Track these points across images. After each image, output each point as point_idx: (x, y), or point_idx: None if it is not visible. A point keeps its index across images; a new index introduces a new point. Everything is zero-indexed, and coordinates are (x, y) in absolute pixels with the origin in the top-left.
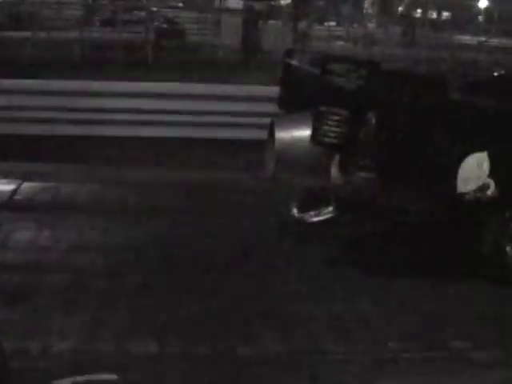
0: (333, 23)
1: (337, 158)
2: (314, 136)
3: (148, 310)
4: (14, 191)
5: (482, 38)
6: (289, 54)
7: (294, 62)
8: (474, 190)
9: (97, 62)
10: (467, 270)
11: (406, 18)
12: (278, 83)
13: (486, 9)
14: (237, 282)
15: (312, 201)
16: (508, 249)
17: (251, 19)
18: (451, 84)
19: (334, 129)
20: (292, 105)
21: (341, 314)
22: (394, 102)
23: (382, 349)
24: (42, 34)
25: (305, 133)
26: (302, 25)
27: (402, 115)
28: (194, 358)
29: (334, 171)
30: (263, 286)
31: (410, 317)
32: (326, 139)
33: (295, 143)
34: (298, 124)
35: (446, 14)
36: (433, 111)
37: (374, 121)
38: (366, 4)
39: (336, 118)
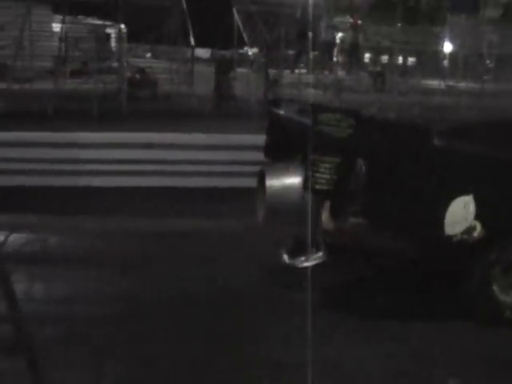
0: (303, 70)
1: (327, 204)
2: (305, 183)
3: (146, 358)
4: (2, 243)
5: (450, 82)
6: (275, 103)
7: (281, 112)
8: (462, 233)
9: (70, 113)
10: (456, 311)
11: (375, 64)
12: (265, 132)
13: (451, 53)
14: (229, 327)
15: (302, 246)
16: (495, 288)
17: (223, 68)
18: (435, 130)
19: (325, 176)
20: (279, 153)
21: (335, 358)
22: (382, 150)
23: None
24: (16, 86)
25: (295, 180)
26: (273, 73)
27: (390, 162)
28: None
29: (325, 217)
30: (255, 331)
31: (403, 357)
32: (318, 186)
33: (286, 191)
34: (288, 172)
35: (411, 60)
36: (419, 157)
37: (363, 168)
38: (336, 51)
39: (327, 165)
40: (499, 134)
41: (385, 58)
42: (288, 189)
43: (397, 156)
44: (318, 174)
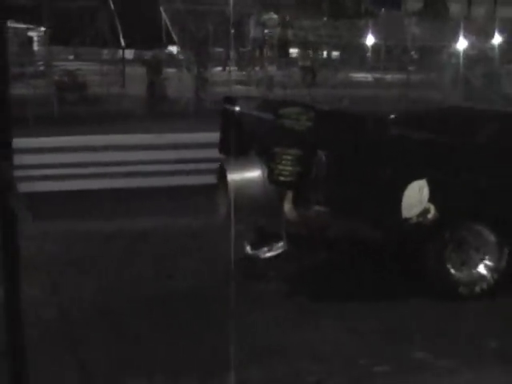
0: (234, 68)
1: (289, 195)
2: (269, 175)
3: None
4: None
5: (377, 75)
6: (229, 100)
7: (236, 109)
8: (417, 215)
9: None
10: (414, 289)
11: (304, 59)
12: (219, 129)
13: (376, 46)
14: (202, 317)
15: (264, 238)
16: (449, 266)
17: (154, 68)
18: (388, 119)
19: (287, 168)
20: (235, 149)
21: (308, 340)
22: (340, 140)
23: (355, 367)
24: None
25: (256, 173)
26: (203, 71)
27: (348, 152)
28: None
29: (288, 207)
30: (226, 319)
31: (371, 335)
32: (281, 178)
33: (248, 184)
34: (248, 166)
35: (335, 54)
36: (376, 146)
37: (324, 158)
38: (266, 47)
39: (289, 157)
40: (446, 121)
41: (312, 53)
42: (249, 182)
43: (354, 146)
44: (280, 166)
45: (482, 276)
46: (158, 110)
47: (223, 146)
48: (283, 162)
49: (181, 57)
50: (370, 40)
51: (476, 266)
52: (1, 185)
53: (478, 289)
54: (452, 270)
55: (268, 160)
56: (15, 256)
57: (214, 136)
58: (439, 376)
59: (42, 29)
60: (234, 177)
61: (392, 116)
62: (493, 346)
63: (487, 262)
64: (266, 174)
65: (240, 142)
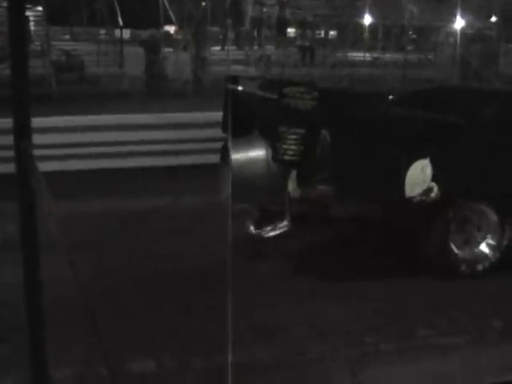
0: (233, 47)
1: (293, 174)
2: (273, 155)
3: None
4: None
5: (375, 54)
6: (233, 80)
7: (240, 88)
8: (420, 194)
9: None
10: (417, 268)
11: (303, 38)
12: (222, 108)
13: (374, 26)
14: (206, 296)
15: (267, 217)
16: (451, 244)
17: (153, 48)
18: (391, 99)
19: (292, 147)
20: (239, 128)
21: (312, 318)
22: (344, 119)
23: (360, 344)
24: None
25: (260, 153)
26: (201, 50)
27: (352, 130)
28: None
29: (292, 186)
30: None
31: (375, 314)
32: (286, 157)
33: (252, 163)
34: (251, 145)
35: (332, 33)
36: (379, 125)
37: (328, 137)
38: (264, 26)
39: (294, 136)
40: (449, 100)
41: (311, 32)
42: (253, 161)
43: (358, 124)
44: (285, 146)
45: (484, 254)
46: (157, 89)
47: (227, 125)
48: (287, 141)
49: (179, 36)
50: (367, 20)
51: (478, 244)
52: (22, 164)
53: (480, 267)
54: (455, 249)
55: (272, 139)
56: (34, 234)
57: (214, 115)
58: (442, 353)
59: (39, 8)
60: (238, 156)
61: (394, 95)
62: (496, 324)
63: (489, 241)
64: (269, 154)
65: (243, 121)
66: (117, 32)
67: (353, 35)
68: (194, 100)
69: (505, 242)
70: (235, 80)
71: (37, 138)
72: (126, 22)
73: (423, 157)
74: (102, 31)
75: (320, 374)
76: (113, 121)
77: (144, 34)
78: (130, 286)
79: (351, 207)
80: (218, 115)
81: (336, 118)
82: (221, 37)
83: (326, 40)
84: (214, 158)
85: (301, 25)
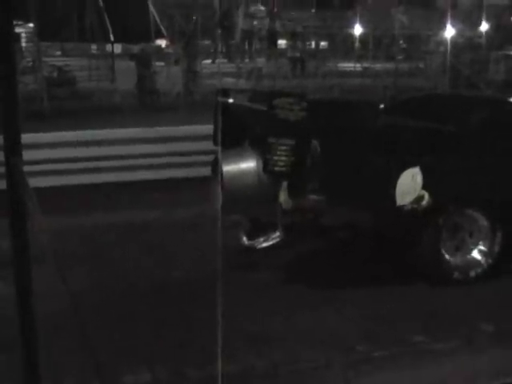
0: (224, 60)
1: (284, 184)
2: (264, 166)
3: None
4: None
5: (366, 64)
6: (223, 93)
7: (230, 101)
8: (411, 202)
9: None
10: (410, 275)
11: (293, 50)
12: (213, 121)
13: (364, 36)
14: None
15: (260, 228)
16: (443, 251)
17: (144, 62)
18: (380, 108)
19: (283, 158)
20: (230, 140)
21: (306, 327)
22: (334, 129)
23: (353, 352)
24: None
25: (250, 164)
26: (192, 64)
27: (342, 140)
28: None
29: (284, 197)
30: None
31: (368, 321)
32: (277, 168)
33: (243, 175)
34: (242, 157)
35: (322, 44)
36: (369, 134)
37: (318, 148)
38: (255, 39)
39: (284, 147)
40: (439, 107)
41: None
42: (244, 173)
43: (348, 134)
44: (275, 157)
45: (476, 261)
46: (148, 103)
47: (217, 137)
48: (278, 152)
49: (170, 50)
50: (357, 30)
51: (470, 251)
52: (12, 180)
53: (472, 273)
54: (447, 256)
55: (262, 151)
56: (25, 250)
57: (206, 128)
58: (436, 359)
59: (30, 25)
60: (229, 168)
61: (383, 104)
62: (488, 330)
63: (481, 247)
64: (260, 165)
65: (234, 133)
66: (108, 47)
67: (343, 46)
68: (185, 113)
69: (496, 249)
70: (225, 93)
71: (29, 154)
72: (117, 37)
73: (413, 165)
74: (94, 46)
75: (313, 382)
76: (105, 135)
77: (135, 48)
78: (123, 299)
79: (343, 217)
80: (209, 128)
81: (326, 128)
82: (212, 50)
83: (316, 51)
84: (206, 171)
85: (291, 36)
